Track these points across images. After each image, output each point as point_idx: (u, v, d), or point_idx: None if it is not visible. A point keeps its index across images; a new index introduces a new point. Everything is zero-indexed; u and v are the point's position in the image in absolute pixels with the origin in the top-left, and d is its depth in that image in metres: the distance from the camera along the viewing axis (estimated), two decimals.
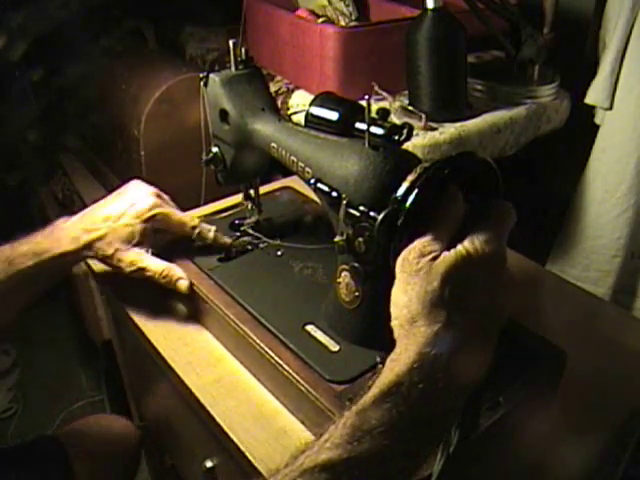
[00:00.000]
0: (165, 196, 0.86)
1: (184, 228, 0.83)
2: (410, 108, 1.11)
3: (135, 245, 0.78)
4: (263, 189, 0.93)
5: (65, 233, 0.76)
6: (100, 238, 0.76)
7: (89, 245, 0.76)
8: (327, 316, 0.72)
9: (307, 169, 0.66)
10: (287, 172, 1.11)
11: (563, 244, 1.38)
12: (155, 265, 0.79)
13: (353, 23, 1.35)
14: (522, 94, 1.22)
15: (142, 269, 0.79)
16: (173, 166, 1.25)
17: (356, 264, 0.62)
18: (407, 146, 0.66)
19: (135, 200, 0.80)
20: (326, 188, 0.61)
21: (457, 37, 1.09)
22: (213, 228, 0.85)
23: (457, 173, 0.54)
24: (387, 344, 0.66)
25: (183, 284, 0.79)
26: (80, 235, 0.76)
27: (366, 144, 0.61)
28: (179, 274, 0.80)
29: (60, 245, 0.75)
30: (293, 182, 1.06)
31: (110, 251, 0.77)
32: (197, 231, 0.83)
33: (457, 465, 0.58)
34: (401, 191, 0.54)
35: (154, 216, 0.79)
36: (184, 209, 1.04)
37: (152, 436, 1.19)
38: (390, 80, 1.17)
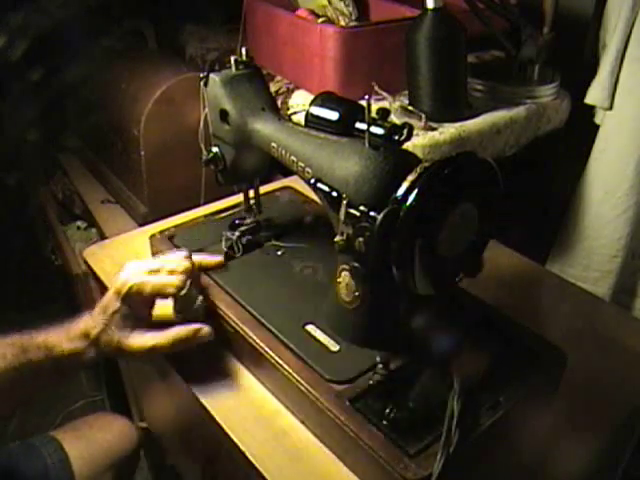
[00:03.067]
0: (177, 258, 0.76)
1: (166, 291, 0.72)
2: (410, 108, 1.11)
3: (132, 325, 0.71)
4: (263, 189, 0.93)
5: (78, 327, 0.71)
6: (102, 331, 0.70)
7: (96, 341, 0.70)
8: (327, 316, 0.72)
9: (307, 169, 0.66)
10: (287, 172, 1.12)
11: (563, 244, 1.38)
12: (164, 339, 0.71)
13: (353, 23, 1.35)
14: (522, 94, 1.22)
15: (153, 349, 0.71)
16: (173, 166, 1.25)
17: (356, 264, 0.62)
18: (407, 146, 0.65)
19: (115, 281, 0.72)
20: (326, 188, 0.61)
21: (457, 37, 1.09)
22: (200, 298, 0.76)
23: (457, 173, 0.54)
24: (387, 344, 0.67)
25: (206, 332, 0.73)
26: (90, 331, 0.71)
27: (366, 144, 0.61)
28: (194, 327, 0.72)
29: (71, 340, 0.73)
30: (293, 182, 1.06)
31: (114, 343, 0.70)
32: (183, 292, 0.72)
33: (458, 465, 0.58)
34: (401, 191, 0.54)
35: (129, 290, 0.70)
36: (184, 209, 1.05)
37: (152, 436, 1.19)
38: (390, 80, 1.17)
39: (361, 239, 0.57)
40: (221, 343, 0.80)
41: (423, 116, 1.08)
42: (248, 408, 0.72)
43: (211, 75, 0.78)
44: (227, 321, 0.76)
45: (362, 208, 0.57)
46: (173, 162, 1.25)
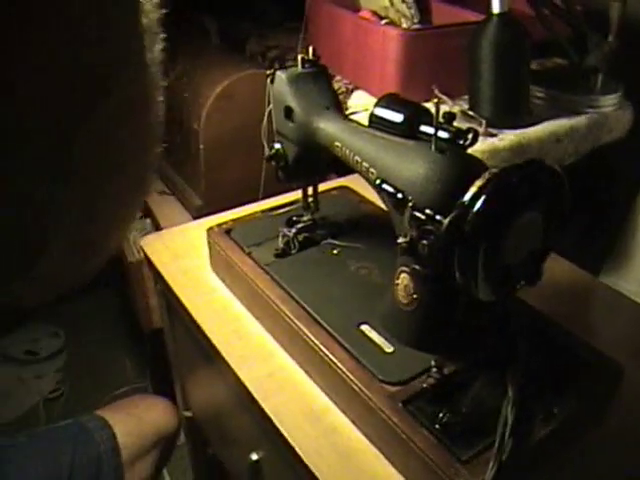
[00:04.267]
0: None
1: None
2: (470, 113, 1.11)
3: None
4: (320, 187, 0.94)
5: None
6: None
7: None
8: (382, 317, 0.72)
9: (372, 169, 0.66)
10: (342, 172, 1.13)
11: (619, 257, 1.35)
12: None
13: (415, 26, 1.34)
14: (584, 103, 1.20)
15: None
16: (230, 161, 1.27)
17: (417, 266, 0.62)
18: (470, 151, 0.65)
19: None
20: (391, 189, 0.61)
21: (522, 43, 1.07)
22: None
23: (526, 180, 0.54)
24: (442, 348, 0.67)
25: None
26: None
27: (432, 147, 0.61)
28: None
29: None
30: (349, 182, 1.06)
31: None
32: None
33: (509, 474, 0.58)
34: (468, 196, 0.54)
35: None
36: (238, 204, 1.06)
37: (196, 425, 1.21)
38: (450, 84, 1.16)
39: (425, 242, 0.57)
40: (274, 338, 0.82)
41: (483, 121, 1.08)
42: (298, 403, 0.73)
43: (278, 72, 0.79)
44: (282, 316, 0.77)
45: (428, 211, 0.57)
46: (231, 157, 1.27)
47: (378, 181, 0.63)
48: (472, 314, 0.64)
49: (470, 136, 0.61)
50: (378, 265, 0.83)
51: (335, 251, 0.87)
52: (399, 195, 0.60)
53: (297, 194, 0.92)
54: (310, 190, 0.90)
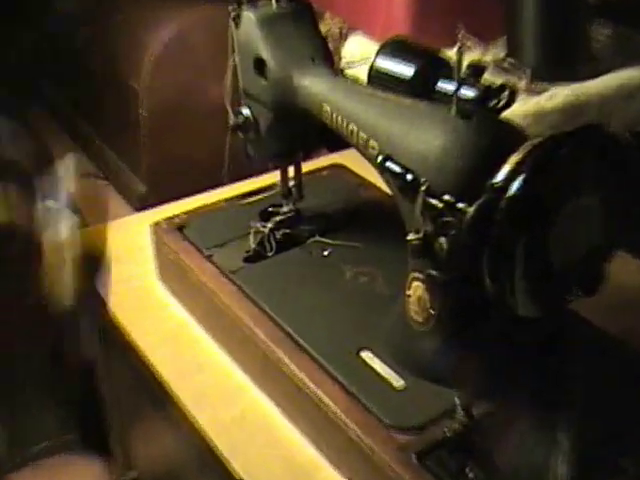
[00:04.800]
0: None
1: None
2: (507, 62, 1.11)
3: None
4: (306, 167, 0.94)
5: None
6: None
7: None
8: (389, 340, 0.74)
9: (372, 142, 0.67)
10: (335, 145, 1.13)
11: None
12: None
13: None
14: None
15: None
16: (185, 132, 1.27)
17: (434, 272, 0.63)
18: (503, 115, 0.66)
19: None
20: (398, 168, 0.62)
21: None
22: None
23: (578, 154, 0.55)
24: (469, 381, 0.67)
25: None
26: None
27: (453, 110, 0.61)
28: None
29: None
30: (344, 159, 1.08)
31: None
32: None
33: None
34: (501, 176, 0.55)
35: None
36: (197, 191, 1.07)
37: None
38: (481, 23, 1.17)
39: (443, 239, 0.58)
40: (244, 370, 0.83)
41: (525, 73, 1.08)
42: (276, 458, 0.73)
43: (245, 12, 0.80)
44: (254, 341, 0.78)
45: (447, 197, 0.57)
46: (183, 127, 1.26)
47: (380, 158, 0.64)
48: (509, 335, 0.65)
49: (505, 94, 0.62)
50: (383, 271, 0.84)
51: (325, 252, 0.88)
52: (408, 176, 0.61)
53: (274, 176, 0.93)
54: (291, 171, 0.91)
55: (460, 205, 0.57)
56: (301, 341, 0.76)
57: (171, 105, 1.25)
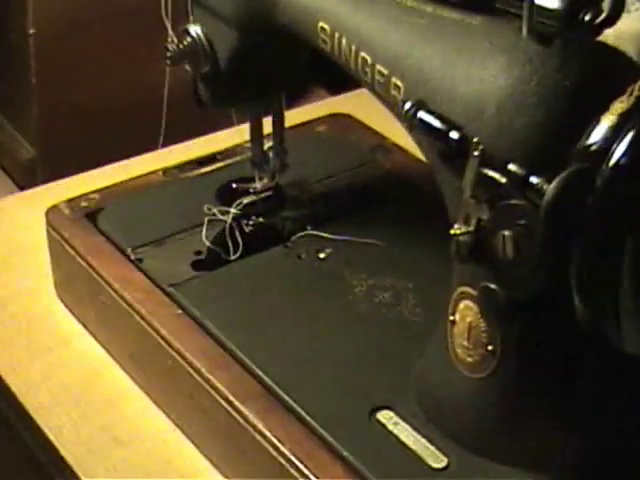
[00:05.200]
0: None
1: None
2: None
3: None
4: (292, 118, 0.94)
5: None
6: None
7: None
8: (421, 393, 0.74)
9: (396, 79, 0.67)
10: (340, 85, 1.13)
11: None
12: None
13: None
14: None
15: None
16: (95, 63, 1.26)
17: (493, 285, 0.63)
18: (604, 37, 0.66)
19: None
20: (436, 122, 0.62)
21: None
22: None
23: None
24: (551, 461, 0.68)
25: None
26: None
27: (524, 30, 0.61)
28: None
29: None
30: (352, 105, 1.08)
31: None
32: None
33: None
34: (599, 135, 0.55)
35: None
36: (122, 155, 1.06)
37: None
38: None
39: (508, 233, 0.58)
40: (192, 440, 0.83)
41: None
42: None
43: None
44: (211, 396, 0.78)
45: (513, 168, 0.57)
46: (94, 55, 1.26)
47: (409, 105, 0.64)
48: (610, 384, 0.65)
49: (609, 4, 0.62)
50: (411, 283, 0.84)
51: (322, 254, 0.88)
52: (453, 134, 0.61)
53: (240, 134, 0.93)
54: (268, 125, 0.91)
55: (534, 180, 0.56)
56: (285, 397, 0.76)
57: (71, 23, 1.25)
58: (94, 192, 0.96)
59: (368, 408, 0.75)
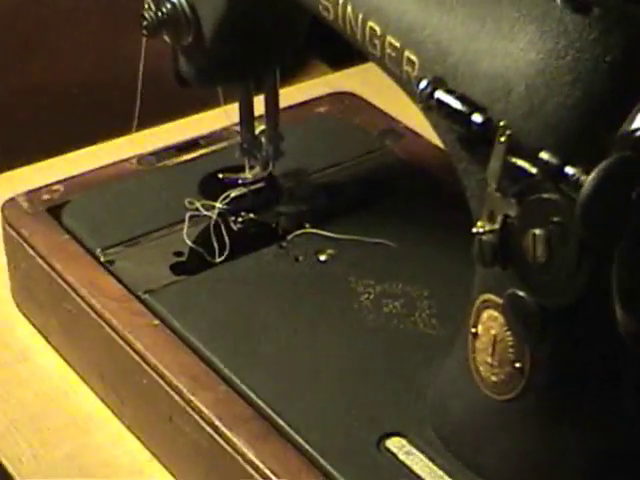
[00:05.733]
0: None
1: None
2: None
3: None
4: (288, 96, 0.95)
5: None
6: None
7: None
8: (438, 418, 0.75)
9: (408, 53, 0.67)
10: (344, 59, 1.13)
11: None
12: None
13: None
14: None
15: None
16: (56, 38, 1.27)
17: (522, 293, 0.63)
18: None
19: None
20: (457, 103, 0.62)
21: None
22: None
23: None
24: None
25: None
26: None
27: None
28: None
29: None
30: (358, 82, 1.09)
31: None
32: None
33: None
34: None
35: None
36: (89, 139, 1.07)
37: None
38: None
39: (539, 232, 0.58)
40: (168, 468, 0.84)
41: None
42: None
43: None
44: (193, 421, 0.78)
45: (545, 156, 0.58)
46: (56, 30, 1.27)
47: (425, 83, 0.65)
48: None
49: None
50: (426, 290, 0.85)
51: (323, 256, 0.89)
52: (476, 117, 0.61)
53: (227, 114, 0.93)
54: (260, 104, 0.92)
55: (570, 170, 0.57)
56: (279, 421, 0.76)
57: None
58: (57, 183, 0.96)
59: (376, 435, 0.75)
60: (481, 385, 0.68)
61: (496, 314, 0.65)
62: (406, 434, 0.75)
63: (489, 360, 0.67)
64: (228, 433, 0.76)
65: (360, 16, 0.71)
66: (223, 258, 0.88)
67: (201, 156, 0.96)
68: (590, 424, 0.66)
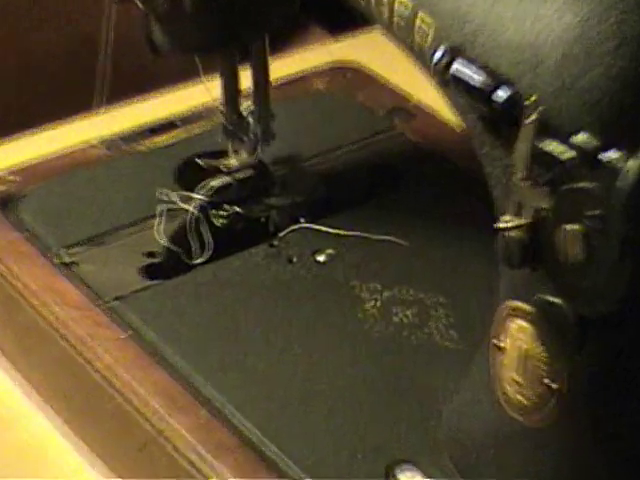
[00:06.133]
0: None
1: None
2: None
3: None
4: (279, 68, 0.94)
5: None
6: None
7: None
8: (455, 444, 0.73)
9: (422, 17, 0.66)
10: (345, 24, 1.13)
11: None
12: None
13: None
14: None
15: None
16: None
17: (555, 299, 0.62)
18: None
19: None
20: (478, 76, 0.61)
21: None
22: None
23: None
24: None
25: None
26: None
27: None
28: None
29: None
30: (363, 51, 1.08)
31: None
32: None
33: None
34: None
35: None
36: (45, 120, 1.06)
37: None
38: None
39: (576, 226, 0.57)
40: None
41: None
42: None
43: None
44: (167, 444, 0.77)
45: (582, 137, 0.57)
46: None
47: (441, 52, 0.63)
48: None
49: None
50: (442, 296, 0.84)
51: (321, 257, 0.87)
52: (501, 92, 0.60)
53: (208, 88, 0.92)
54: (246, 78, 0.90)
55: (611, 155, 0.56)
56: (269, 450, 0.75)
57: None
58: (12, 172, 0.95)
59: (384, 463, 0.74)
60: (507, 407, 0.67)
61: (525, 324, 0.64)
62: (418, 462, 0.73)
63: (517, 378, 0.65)
64: (211, 464, 0.74)
65: None
66: (204, 259, 0.87)
67: (177, 139, 0.94)
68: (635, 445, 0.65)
